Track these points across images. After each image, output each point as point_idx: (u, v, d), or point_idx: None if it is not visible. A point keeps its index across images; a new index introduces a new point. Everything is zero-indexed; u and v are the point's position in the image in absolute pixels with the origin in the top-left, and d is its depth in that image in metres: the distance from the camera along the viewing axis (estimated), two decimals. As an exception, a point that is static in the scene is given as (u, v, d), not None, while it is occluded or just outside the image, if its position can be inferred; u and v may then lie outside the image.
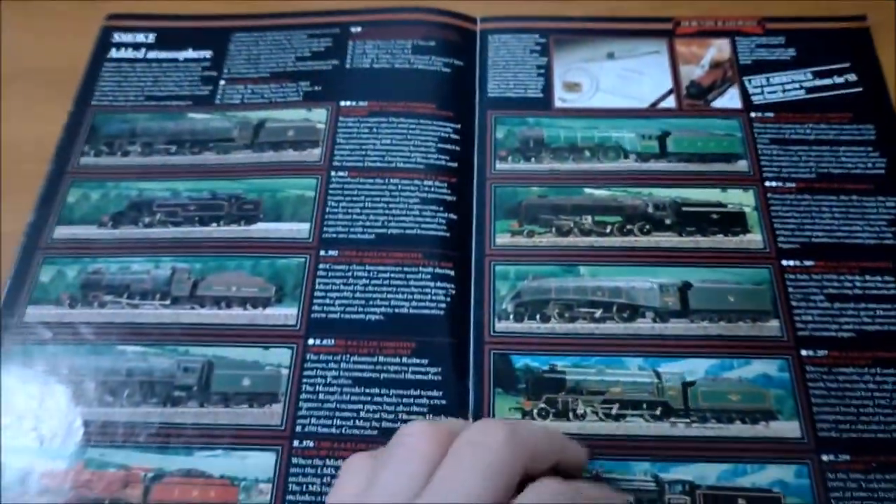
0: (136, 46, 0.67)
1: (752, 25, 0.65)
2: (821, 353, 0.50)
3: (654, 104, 0.62)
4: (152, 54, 0.67)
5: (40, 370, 0.52)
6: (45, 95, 0.66)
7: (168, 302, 0.54)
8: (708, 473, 0.47)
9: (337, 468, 0.47)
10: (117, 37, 0.68)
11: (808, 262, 0.53)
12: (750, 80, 0.62)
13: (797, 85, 0.62)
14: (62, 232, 0.57)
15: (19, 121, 0.65)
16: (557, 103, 0.62)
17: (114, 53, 0.67)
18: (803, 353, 0.50)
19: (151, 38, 0.68)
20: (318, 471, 0.48)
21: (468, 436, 0.36)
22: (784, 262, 0.53)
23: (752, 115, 0.61)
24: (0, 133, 0.64)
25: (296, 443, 0.48)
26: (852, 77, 0.62)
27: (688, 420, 0.48)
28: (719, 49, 0.65)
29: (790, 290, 0.52)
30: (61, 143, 0.62)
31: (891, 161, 0.57)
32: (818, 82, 0.62)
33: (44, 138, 0.62)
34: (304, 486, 0.47)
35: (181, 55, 0.67)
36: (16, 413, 0.50)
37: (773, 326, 0.51)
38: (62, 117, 0.63)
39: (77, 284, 0.55)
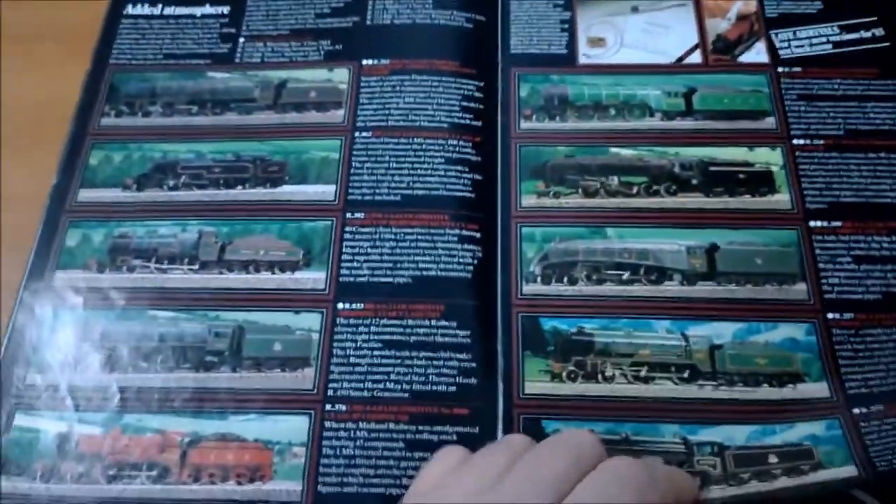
0: (153, 2, 0.66)
1: (779, -24, 0.64)
2: (847, 316, 0.50)
3: (679, 59, 0.61)
4: (169, 10, 0.66)
5: (72, 336, 0.52)
6: (60, 52, 0.65)
7: (196, 266, 0.54)
8: (736, 434, 0.47)
9: (370, 431, 0.48)
10: (132, -8, 0.67)
11: (835, 223, 0.53)
12: (777, 34, 0.62)
13: (824, 39, 0.61)
14: (86, 195, 0.57)
15: (36, 79, 0.64)
16: (582, 59, 0.62)
17: (130, 9, 0.66)
18: (830, 316, 0.50)
19: (168, -8, 0.66)
20: (351, 434, 0.48)
21: (613, 468, 0.36)
22: (812, 224, 0.53)
23: (780, 69, 0.60)
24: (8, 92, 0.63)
25: (328, 406, 0.49)
26: (880, 31, 0.61)
27: (715, 383, 0.49)
28: (746, 1, 0.63)
29: (817, 252, 0.52)
30: (81, 104, 0.61)
31: None
32: (845, 36, 0.61)
33: (62, 98, 0.61)
34: (338, 450, 0.48)
35: (198, 10, 0.66)
36: (50, 379, 0.51)
37: (799, 290, 0.51)
38: (79, 75, 0.62)
39: (104, 249, 0.55)
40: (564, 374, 0.50)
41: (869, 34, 0.61)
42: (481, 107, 0.59)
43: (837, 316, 0.50)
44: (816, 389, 0.48)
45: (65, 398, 0.50)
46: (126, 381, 0.51)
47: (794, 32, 0.61)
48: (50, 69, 0.65)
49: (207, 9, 0.66)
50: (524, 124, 0.59)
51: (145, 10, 0.66)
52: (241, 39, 0.64)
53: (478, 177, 0.56)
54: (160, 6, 0.66)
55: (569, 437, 0.38)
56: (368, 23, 0.63)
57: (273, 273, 0.54)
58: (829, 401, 0.48)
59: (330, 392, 0.50)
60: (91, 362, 0.51)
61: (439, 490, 0.37)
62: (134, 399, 0.50)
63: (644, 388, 0.49)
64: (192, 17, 0.65)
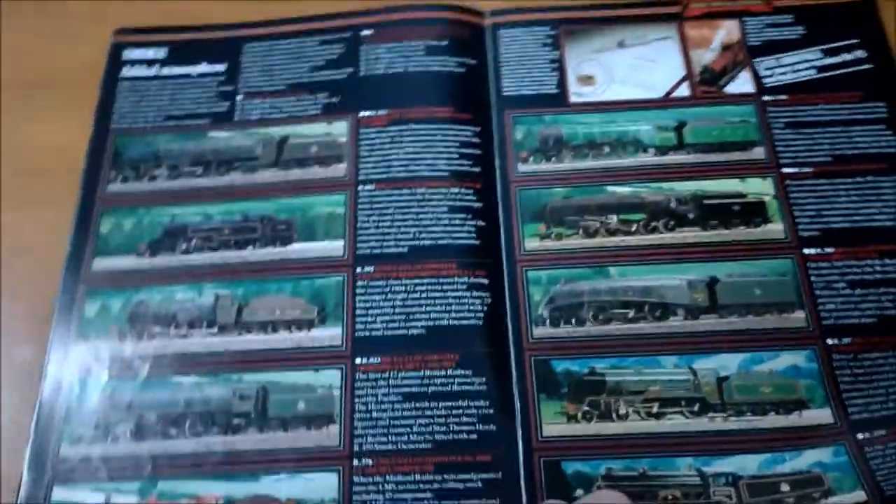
0: (149, 63, 0.68)
1: (759, 4, 0.66)
2: (846, 340, 0.52)
3: (668, 93, 0.63)
4: (166, 70, 0.67)
5: (100, 406, 0.53)
6: (59, 106, 0.67)
7: (215, 330, 0.56)
8: (748, 464, 0.49)
9: (398, 483, 0.50)
10: (128, 53, 0.68)
11: (828, 250, 0.55)
12: (761, 62, 0.63)
13: (808, 64, 0.63)
14: (101, 264, 0.59)
15: (35, 132, 0.66)
16: (573, 98, 0.63)
17: (127, 71, 0.67)
18: (829, 342, 0.52)
19: (163, 52, 0.68)
20: (380, 487, 0.50)
21: None
22: (806, 251, 0.55)
23: (766, 98, 0.62)
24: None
25: (355, 461, 0.51)
26: (861, 53, 0.63)
27: (725, 414, 0.51)
28: (728, 30, 0.65)
29: (813, 279, 0.54)
30: (87, 170, 0.62)
31: None
32: (828, 60, 0.63)
33: (62, 152, 0.63)
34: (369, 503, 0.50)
35: (195, 70, 0.67)
36: (83, 451, 0.52)
37: (798, 317, 0.53)
38: (77, 129, 0.64)
39: (124, 317, 0.57)
40: (580, 414, 0.52)
41: (851, 56, 0.63)
42: (479, 152, 0.61)
43: (836, 341, 0.52)
44: (821, 416, 0.51)
45: (98, 469, 0.52)
46: (157, 448, 0.52)
47: (778, 59, 0.63)
48: (48, 122, 0.66)
49: (203, 67, 0.67)
50: (522, 167, 0.60)
51: (142, 71, 0.67)
52: (240, 97, 0.65)
53: (481, 223, 0.58)
54: (156, 66, 0.67)
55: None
56: (362, 73, 0.65)
57: (290, 332, 0.55)
58: (834, 427, 0.50)
59: (356, 447, 0.51)
60: (121, 431, 0.53)
61: None
62: (166, 465, 0.52)
63: (657, 424, 0.51)
64: (189, 76, 0.67)
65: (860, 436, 0.49)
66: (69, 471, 0.52)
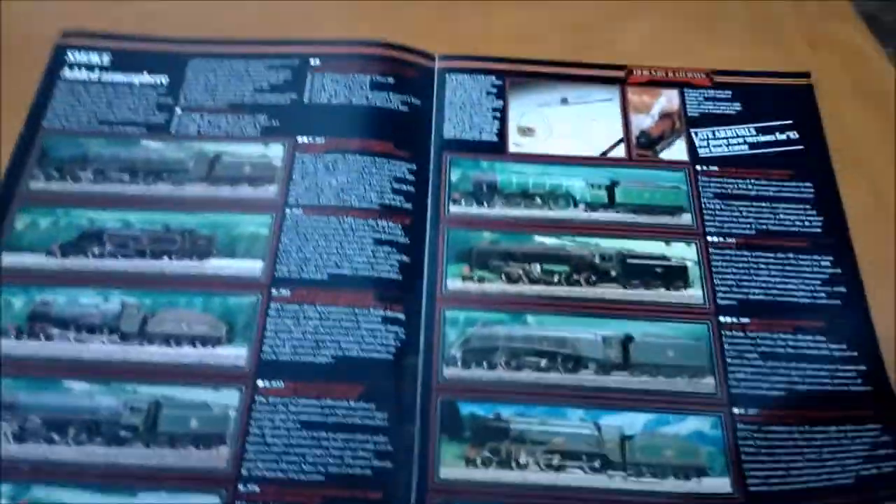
0: (91, 67, 0.67)
1: (701, 77, 0.68)
2: (752, 411, 0.52)
3: (605, 152, 0.64)
4: (107, 77, 0.66)
5: (-17, 404, 0.51)
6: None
7: (117, 337, 0.54)
8: (642, 528, 0.48)
9: (282, 514, 0.48)
10: (71, 56, 0.67)
11: (744, 320, 0.55)
12: (697, 133, 0.65)
13: (741, 140, 0.64)
14: (9, 259, 0.57)
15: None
16: (511, 147, 0.64)
17: (67, 73, 0.66)
18: (735, 410, 0.52)
19: (107, 59, 0.67)
20: (263, 516, 0.48)
21: None
22: (722, 319, 0.55)
23: (698, 167, 0.63)
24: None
25: (241, 486, 0.49)
26: (794, 135, 0.64)
27: (625, 473, 0.50)
28: (669, 99, 0.67)
29: (726, 347, 0.54)
30: (10, 166, 0.61)
31: (827, 219, 0.60)
32: (762, 138, 0.64)
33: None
34: (249, 532, 0.48)
35: (136, 79, 0.66)
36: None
37: (708, 383, 0.53)
38: (9, 134, 0.62)
39: (24, 315, 0.54)
40: (479, 459, 0.50)
41: (784, 136, 0.64)
42: (412, 189, 0.61)
43: (743, 411, 0.52)
44: (719, 485, 0.50)
45: (-30, 469, 0.49)
46: (37, 452, 0.50)
47: (714, 132, 0.65)
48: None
49: (146, 77, 0.66)
50: (453, 208, 0.60)
51: (83, 74, 0.66)
52: (178, 110, 0.64)
53: (405, 258, 0.58)
54: (98, 72, 0.66)
55: None
56: (306, 101, 0.65)
57: (195, 347, 0.54)
58: (731, 497, 0.49)
59: (244, 472, 0.49)
60: (2, 432, 0.50)
61: None
62: (43, 471, 0.49)
63: (556, 477, 0.50)
64: (130, 85, 0.66)
65: None
66: (-62, 468, 0.49)
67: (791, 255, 0.58)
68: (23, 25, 0.70)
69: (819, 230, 0.60)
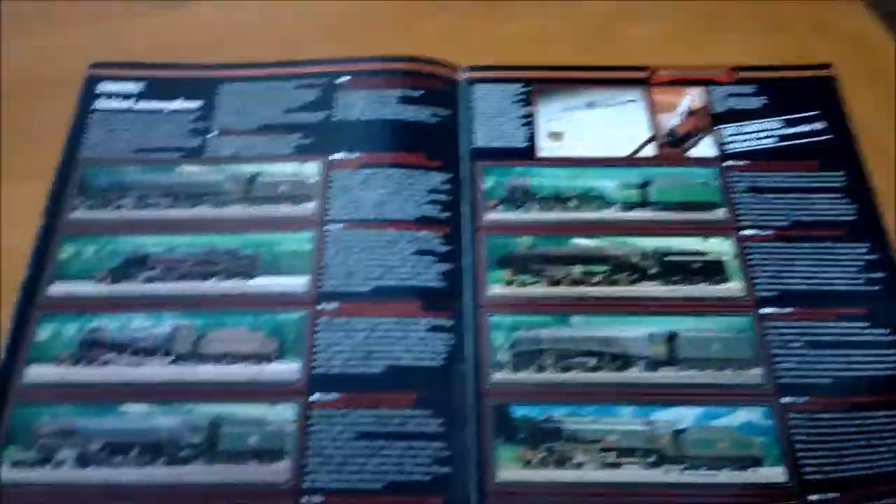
0: (123, 96, 0.68)
1: (724, 74, 0.68)
2: (801, 399, 0.53)
3: (634, 153, 0.64)
4: (141, 104, 0.67)
5: (45, 432, 0.52)
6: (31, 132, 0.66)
7: (171, 359, 0.55)
8: (703, 520, 0.49)
9: (346, 524, 0.49)
10: (103, 86, 0.68)
11: (786, 310, 0.56)
12: (724, 129, 0.65)
13: (769, 133, 0.65)
14: (58, 289, 0.58)
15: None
16: (542, 152, 0.64)
17: (100, 104, 0.67)
18: (784, 400, 0.53)
19: (138, 88, 0.68)
20: (328, 526, 0.49)
21: None
22: (763, 311, 0.56)
23: (727, 163, 0.63)
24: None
25: (304, 499, 0.50)
26: (821, 125, 0.65)
27: (680, 467, 0.51)
28: (693, 97, 0.67)
29: (770, 338, 0.55)
30: (51, 197, 0.62)
31: (860, 207, 0.60)
32: (789, 130, 0.65)
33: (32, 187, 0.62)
34: (315, 543, 0.48)
35: (169, 105, 0.67)
36: (21, 476, 0.50)
37: (755, 374, 0.54)
38: (48, 167, 0.63)
39: (76, 342, 0.55)
40: (536, 460, 0.51)
41: (810, 128, 0.65)
42: (448, 198, 0.62)
43: (792, 400, 0.53)
44: (775, 473, 0.51)
45: (37, 494, 0.50)
46: (100, 476, 0.51)
47: (740, 127, 0.65)
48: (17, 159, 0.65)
49: (178, 104, 0.67)
50: (489, 215, 0.61)
51: (116, 104, 0.67)
52: (212, 134, 0.65)
53: (447, 266, 0.58)
54: (131, 100, 0.67)
55: None
56: (336, 118, 0.66)
57: (247, 365, 0.55)
58: (787, 486, 0.50)
59: (305, 485, 0.50)
60: (63, 458, 0.51)
61: None
62: (108, 495, 0.50)
63: (613, 474, 0.51)
64: (163, 112, 0.67)
65: (812, 497, 0.49)
66: (7, 496, 0.50)
67: (828, 244, 0.59)
68: (51, 61, 0.71)
69: (853, 218, 0.60)
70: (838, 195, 0.61)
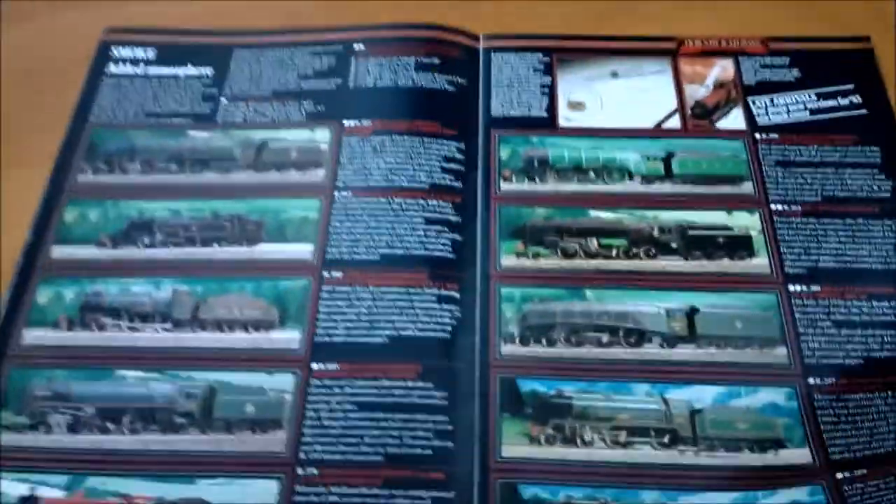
0: (136, 62, 0.67)
1: (755, 45, 0.65)
2: (829, 380, 0.50)
3: (658, 124, 0.62)
4: (152, 70, 0.66)
5: (39, 395, 0.50)
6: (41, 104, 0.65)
7: (169, 325, 0.53)
8: (720, 502, 0.46)
9: (342, 496, 0.47)
10: (116, 51, 0.67)
11: (814, 288, 0.53)
12: (754, 101, 0.62)
13: (801, 106, 0.62)
14: (60, 252, 0.56)
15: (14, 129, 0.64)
16: (562, 122, 0.62)
17: (112, 68, 0.66)
18: (811, 381, 0.50)
19: (151, 53, 0.67)
20: (323, 499, 0.47)
21: None
22: (791, 288, 0.53)
23: (757, 136, 0.60)
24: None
25: (299, 470, 0.48)
26: (857, 99, 0.62)
27: (696, 448, 0.48)
28: (723, 69, 0.64)
29: (797, 316, 0.52)
30: (58, 161, 0.61)
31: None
32: (822, 104, 0.62)
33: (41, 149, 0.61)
34: (309, 515, 0.46)
35: (182, 72, 0.66)
36: (14, 440, 0.49)
37: (780, 354, 0.51)
38: (58, 128, 0.62)
39: (76, 306, 0.54)
40: (542, 437, 0.49)
41: (846, 101, 0.62)
42: (462, 168, 0.60)
43: (819, 381, 0.50)
44: (798, 455, 0.48)
45: (27, 459, 0.49)
46: (91, 442, 0.49)
47: (772, 99, 0.62)
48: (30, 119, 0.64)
49: (191, 70, 0.66)
50: (504, 186, 0.59)
51: (128, 69, 0.66)
52: (224, 100, 0.64)
53: (457, 237, 0.56)
54: (143, 66, 0.66)
55: None
56: (351, 85, 0.64)
57: (247, 332, 0.53)
58: (811, 467, 0.47)
59: (302, 455, 0.48)
60: (56, 423, 0.50)
61: None
62: (98, 461, 0.49)
63: (624, 454, 0.48)
64: (175, 77, 0.66)
65: (840, 475, 0.46)
66: (-2, 460, 0.48)
67: (861, 221, 0.56)
68: (67, 27, 0.70)
69: (889, 195, 0.57)
70: (874, 171, 0.58)
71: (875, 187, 0.57)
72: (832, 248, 0.55)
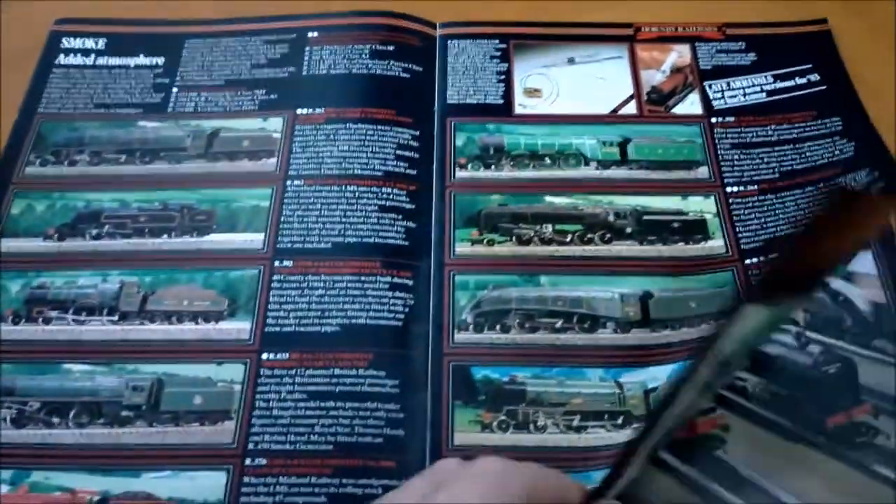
0: (86, 52, 0.65)
1: (712, 31, 0.65)
2: None
3: (614, 110, 0.61)
4: (102, 60, 0.65)
5: (-19, 389, 0.49)
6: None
7: (116, 317, 0.52)
8: (671, 483, 0.46)
9: (290, 486, 0.46)
10: (66, 42, 0.66)
11: (773, 256, 0.53)
12: (710, 86, 0.62)
13: (758, 88, 0.62)
14: (6, 245, 0.55)
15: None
16: (518, 109, 0.61)
17: (62, 59, 0.65)
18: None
19: (101, 43, 0.66)
20: (272, 489, 0.46)
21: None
22: (748, 261, 0.53)
23: (713, 120, 0.60)
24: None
25: (248, 461, 0.47)
26: (815, 77, 0.62)
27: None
28: (680, 54, 0.64)
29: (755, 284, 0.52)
30: (5, 154, 0.59)
31: (860, 144, 0.58)
32: (779, 84, 0.62)
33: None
34: (257, 507, 0.45)
35: (132, 61, 0.65)
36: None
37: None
38: (6, 121, 0.61)
39: (21, 300, 0.53)
40: (495, 424, 0.48)
41: (804, 80, 0.62)
42: (416, 155, 0.59)
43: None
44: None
45: (-30, 457, 0.47)
46: (35, 436, 0.48)
47: (728, 83, 0.62)
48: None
49: (142, 59, 0.65)
50: (459, 173, 0.58)
51: (78, 59, 0.65)
52: (175, 89, 0.63)
53: (411, 224, 0.55)
54: (93, 56, 0.65)
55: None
56: (304, 73, 0.63)
57: (196, 323, 0.52)
58: None
59: (250, 446, 0.47)
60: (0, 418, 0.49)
61: None
62: (42, 455, 0.47)
63: (577, 438, 0.48)
64: (126, 67, 0.64)
65: None
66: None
67: (821, 185, 0.56)
68: (16, 18, 0.69)
69: (852, 154, 0.57)
70: (835, 138, 0.59)
71: (837, 151, 0.58)
72: (790, 216, 0.55)
